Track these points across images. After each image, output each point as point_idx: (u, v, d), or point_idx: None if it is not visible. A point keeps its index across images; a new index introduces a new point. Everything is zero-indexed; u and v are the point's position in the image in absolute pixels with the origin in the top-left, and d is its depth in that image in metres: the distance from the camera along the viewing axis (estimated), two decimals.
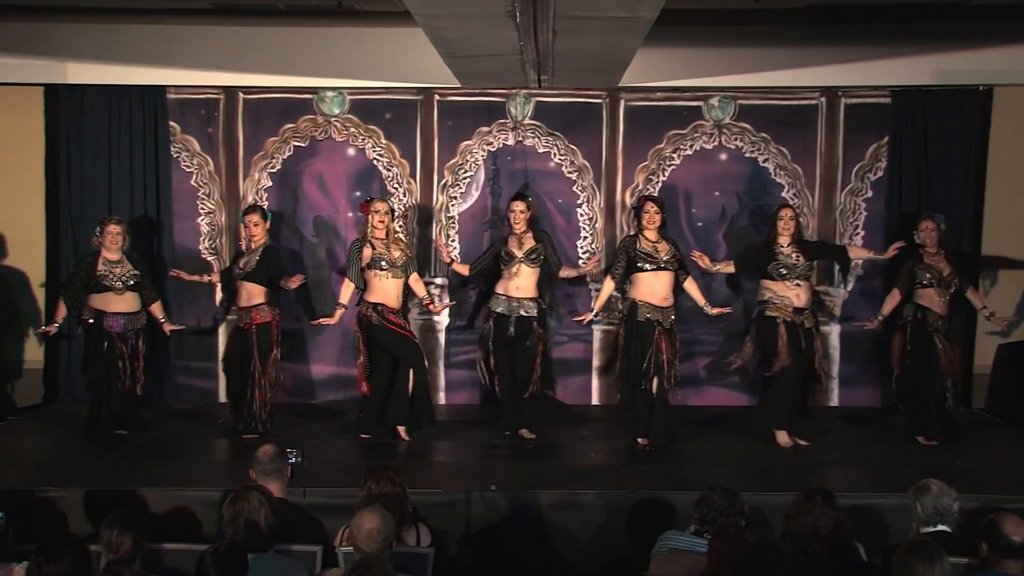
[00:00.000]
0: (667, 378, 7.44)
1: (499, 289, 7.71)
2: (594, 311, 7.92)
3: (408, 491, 5.10)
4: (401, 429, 7.57)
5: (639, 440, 7.48)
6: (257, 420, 7.55)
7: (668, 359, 7.42)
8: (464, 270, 8.06)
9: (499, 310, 7.68)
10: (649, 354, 7.37)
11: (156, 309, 7.85)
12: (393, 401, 7.57)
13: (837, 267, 8.70)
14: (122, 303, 7.61)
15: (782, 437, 7.49)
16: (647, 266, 7.45)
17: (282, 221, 8.86)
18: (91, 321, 7.60)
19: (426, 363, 7.89)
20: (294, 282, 7.53)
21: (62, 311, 7.65)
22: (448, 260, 8.10)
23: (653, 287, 7.48)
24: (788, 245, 7.60)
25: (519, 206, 7.74)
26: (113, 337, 7.56)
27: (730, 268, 7.92)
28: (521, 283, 7.66)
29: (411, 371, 7.54)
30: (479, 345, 8.00)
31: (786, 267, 7.52)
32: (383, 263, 7.53)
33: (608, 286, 7.72)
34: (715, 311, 7.78)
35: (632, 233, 7.75)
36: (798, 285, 7.52)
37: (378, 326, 7.54)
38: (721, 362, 8.81)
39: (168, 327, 7.92)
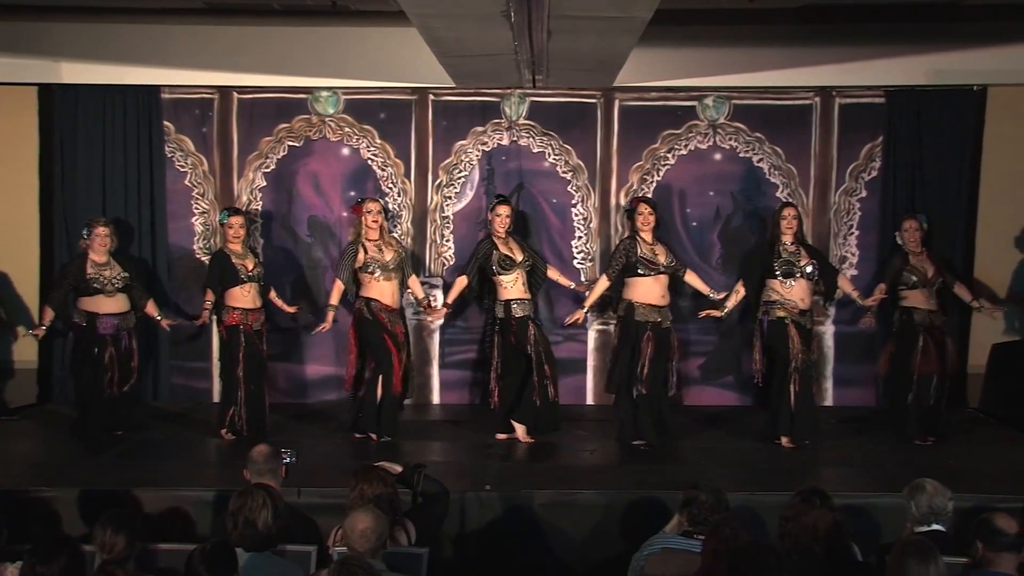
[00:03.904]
0: (663, 381, 7.43)
1: (501, 296, 7.65)
2: (585, 308, 7.80)
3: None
4: (372, 434, 7.58)
5: (633, 442, 7.47)
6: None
7: (669, 360, 7.45)
8: (462, 283, 7.79)
9: (502, 315, 7.64)
10: (643, 358, 7.35)
11: (151, 309, 7.85)
12: (365, 408, 7.59)
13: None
14: (113, 304, 7.60)
15: (786, 440, 7.50)
16: (648, 272, 7.44)
17: (276, 221, 8.85)
18: (84, 325, 7.58)
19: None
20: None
21: (49, 314, 7.62)
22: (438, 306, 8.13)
23: (652, 289, 7.46)
24: (792, 243, 7.59)
25: (505, 210, 7.73)
26: (105, 339, 7.54)
27: (740, 295, 7.70)
28: (520, 286, 7.66)
29: (380, 379, 7.54)
30: (490, 350, 7.86)
31: (791, 265, 7.50)
32: (376, 268, 7.53)
33: (602, 284, 7.67)
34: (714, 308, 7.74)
35: (629, 235, 7.72)
36: (802, 286, 7.49)
37: (375, 322, 7.52)
38: (716, 362, 8.84)
39: (166, 323, 7.95)
